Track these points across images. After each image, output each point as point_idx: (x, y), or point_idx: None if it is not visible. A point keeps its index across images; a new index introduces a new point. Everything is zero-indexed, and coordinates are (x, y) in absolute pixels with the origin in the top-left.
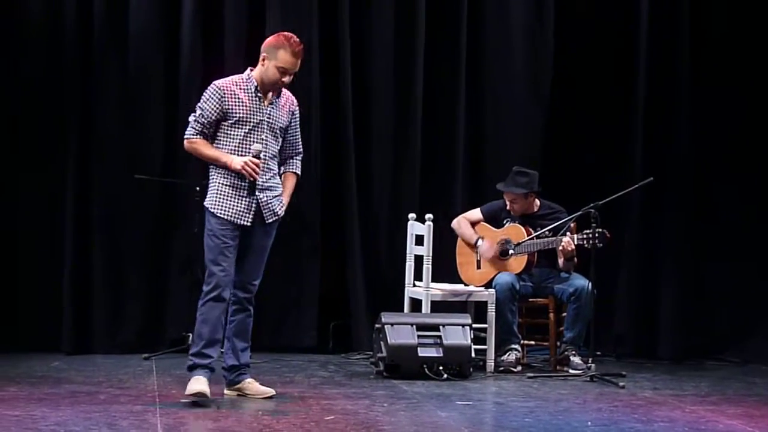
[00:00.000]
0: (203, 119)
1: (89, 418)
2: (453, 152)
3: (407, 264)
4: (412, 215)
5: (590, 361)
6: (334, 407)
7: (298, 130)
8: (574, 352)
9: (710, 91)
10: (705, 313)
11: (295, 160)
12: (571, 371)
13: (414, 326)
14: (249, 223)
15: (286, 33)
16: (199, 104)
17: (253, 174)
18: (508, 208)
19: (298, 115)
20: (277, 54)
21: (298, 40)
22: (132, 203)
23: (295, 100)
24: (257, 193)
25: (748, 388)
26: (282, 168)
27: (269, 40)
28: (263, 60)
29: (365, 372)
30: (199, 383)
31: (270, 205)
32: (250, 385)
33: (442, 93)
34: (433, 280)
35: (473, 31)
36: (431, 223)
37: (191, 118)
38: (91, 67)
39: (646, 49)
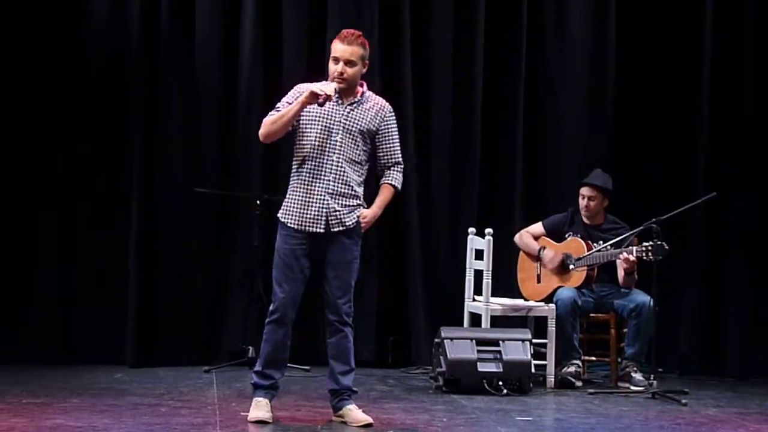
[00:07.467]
0: (276, 109)
1: (150, 430)
2: (512, 166)
3: (467, 278)
4: (471, 229)
5: (652, 378)
6: (394, 421)
7: (395, 138)
8: (635, 369)
9: None
10: None
11: (392, 171)
12: (632, 388)
13: (474, 341)
14: (322, 230)
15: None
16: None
17: (323, 89)
18: (583, 205)
19: (393, 122)
20: (331, 46)
21: (353, 30)
22: (193, 217)
23: (387, 107)
24: (327, 198)
25: None
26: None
27: None
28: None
29: (424, 386)
30: (259, 409)
31: (338, 213)
32: (349, 412)
33: (502, 107)
34: (492, 295)
35: (533, 44)
36: (491, 238)
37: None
38: (154, 78)
39: (710, 62)
